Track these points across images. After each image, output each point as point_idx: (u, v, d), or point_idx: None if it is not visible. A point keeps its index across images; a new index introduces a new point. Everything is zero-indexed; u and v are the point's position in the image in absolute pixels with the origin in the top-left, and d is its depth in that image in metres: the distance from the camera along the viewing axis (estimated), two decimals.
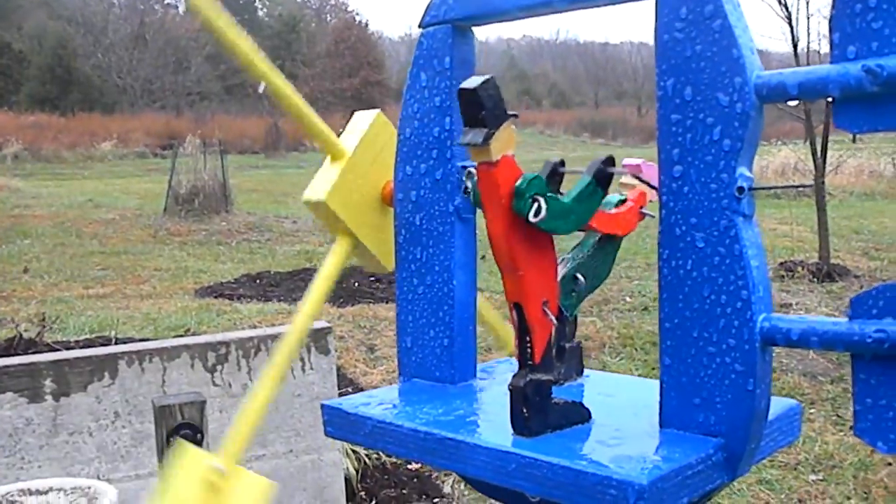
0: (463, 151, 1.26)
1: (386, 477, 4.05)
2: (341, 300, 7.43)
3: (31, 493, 1.97)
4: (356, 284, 7.98)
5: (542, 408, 1.04)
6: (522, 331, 1.04)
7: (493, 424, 1.09)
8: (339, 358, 5.44)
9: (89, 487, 1.98)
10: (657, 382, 1.08)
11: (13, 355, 3.48)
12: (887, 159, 18.66)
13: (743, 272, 0.97)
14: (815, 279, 7.89)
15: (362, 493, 3.89)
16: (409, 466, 4.18)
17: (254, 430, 1.57)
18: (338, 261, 1.66)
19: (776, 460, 4.32)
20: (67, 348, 4.31)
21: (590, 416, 1.09)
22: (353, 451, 3.96)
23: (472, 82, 0.97)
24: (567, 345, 1.18)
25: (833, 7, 0.92)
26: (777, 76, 0.95)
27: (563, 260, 1.21)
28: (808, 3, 13.22)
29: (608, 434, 1.05)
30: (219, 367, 3.02)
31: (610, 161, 1.04)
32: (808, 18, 17.10)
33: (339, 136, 1.70)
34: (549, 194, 0.99)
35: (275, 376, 1.59)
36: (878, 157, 18.92)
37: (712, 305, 0.99)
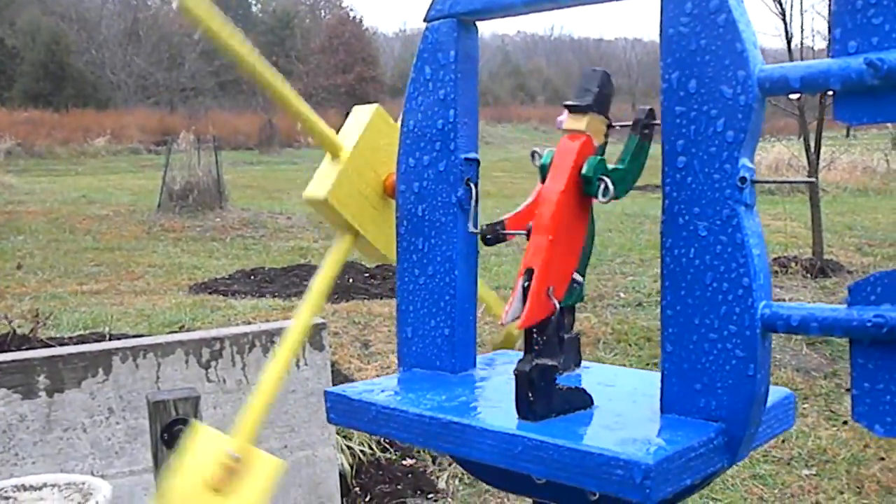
0: (466, 144, 1.27)
1: (381, 472, 4.05)
2: (336, 296, 7.43)
3: (24, 488, 1.97)
4: (350, 281, 7.98)
5: (547, 392, 1.06)
6: (525, 303, 1.06)
7: (498, 410, 1.10)
8: (334, 354, 5.44)
9: (83, 483, 1.98)
10: (654, 373, 1.10)
11: (7, 351, 3.47)
12: (880, 155, 18.71)
13: (744, 260, 0.99)
14: (809, 275, 7.91)
15: (357, 488, 3.90)
16: (404, 462, 4.19)
17: (264, 413, 1.58)
18: (340, 256, 1.67)
19: (770, 455, 4.34)
20: (61, 344, 4.30)
21: (592, 402, 1.11)
22: (348, 447, 3.96)
23: (600, 68, 1.10)
24: (566, 336, 1.19)
25: (834, 3, 0.94)
26: (780, 70, 0.97)
27: None
28: None
29: (611, 419, 1.07)
30: (213, 363, 3.02)
31: (651, 114, 1.10)
32: (802, 14, 17.16)
33: (337, 131, 1.70)
34: (609, 168, 1.07)
35: (282, 363, 1.60)
36: (871, 153, 18.96)
37: (714, 293, 1.01)
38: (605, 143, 1.12)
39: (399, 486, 3.94)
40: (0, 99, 35.60)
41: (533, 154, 1.19)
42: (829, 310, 0.96)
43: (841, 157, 16.88)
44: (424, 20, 1.29)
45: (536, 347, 1.06)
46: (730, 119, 1.00)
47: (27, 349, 3.84)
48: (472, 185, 1.27)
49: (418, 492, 3.95)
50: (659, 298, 1.09)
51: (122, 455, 2.87)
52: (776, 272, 8.05)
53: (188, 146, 14.95)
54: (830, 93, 0.96)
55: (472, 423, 1.05)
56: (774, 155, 17.53)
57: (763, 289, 1.00)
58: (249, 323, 6.26)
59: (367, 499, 3.86)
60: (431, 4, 1.29)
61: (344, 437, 3.98)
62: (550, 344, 1.07)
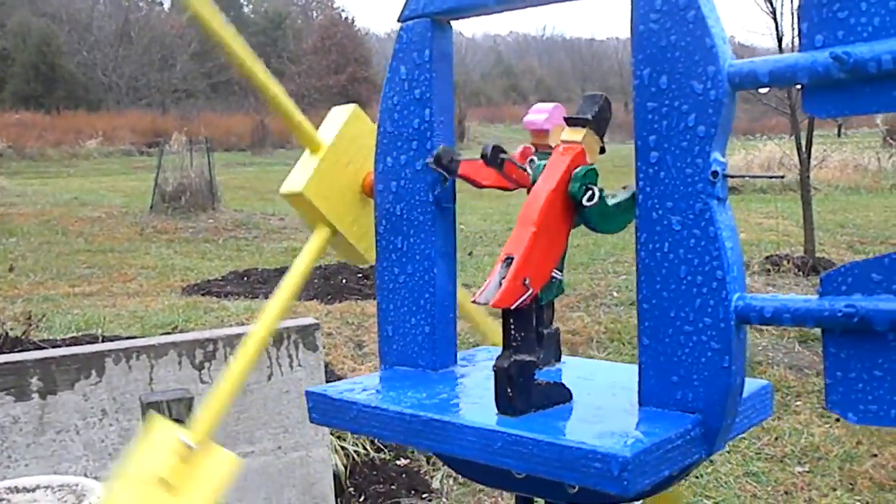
0: (442, 142, 1.28)
1: (374, 473, 4.05)
2: (329, 297, 7.43)
3: (17, 490, 1.96)
4: (344, 281, 7.98)
5: (526, 388, 1.06)
6: (505, 312, 1.07)
7: (477, 406, 1.11)
8: (327, 354, 5.44)
9: (77, 485, 1.98)
10: (632, 367, 1.12)
11: None
12: (871, 153, 18.77)
13: (718, 253, 1.00)
14: (801, 273, 7.93)
15: (351, 488, 3.90)
16: (398, 462, 4.19)
17: (225, 407, 1.54)
18: (314, 251, 1.67)
19: (763, 452, 4.35)
20: (54, 346, 4.29)
21: (571, 397, 1.13)
22: (342, 448, 3.96)
23: (600, 93, 1.14)
24: (545, 330, 1.20)
25: None
26: (748, 64, 0.99)
27: None
28: None
29: (589, 413, 1.08)
30: (206, 365, 3.02)
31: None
32: (793, 14, 17.19)
33: (316, 129, 1.70)
34: (601, 192, 1.09)
35: (247, 358, 1.58)
36: (862, 152, 19.03)
37: (689, 286, 1.03)
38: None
39: (393, 486, 3.94)
40: None
41: (530, 161, 1.21)
42: (801, 300, 0.98)
43: (832, 156, 16.92)
44: (399, 20, 1.30)
45: (515, 343, 1.07)
46: (701, 114, 1.01)
47: (20, 351, 3.83)
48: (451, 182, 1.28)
49: (412, 492, 3.95)
50: None
51: (115, 457, 2.87)
52: (768, 270, 8.08)
53: (180, 147, 14.94)
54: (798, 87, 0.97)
55: (453, 420, 1.06)
56: (766, 153, 17.59)
57: (736, 281, 1.01)
58: (243, 324, 6.26)
59: (361, 499, 3.86)
60: (406, 4, 1.29)
61: (338, 437, 3.98)
62: (529, 340, 1.08)
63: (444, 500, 3.90)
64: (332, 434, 3.75)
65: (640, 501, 1.12)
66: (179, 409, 2.01)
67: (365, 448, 4.11)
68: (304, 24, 53.61)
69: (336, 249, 1.74)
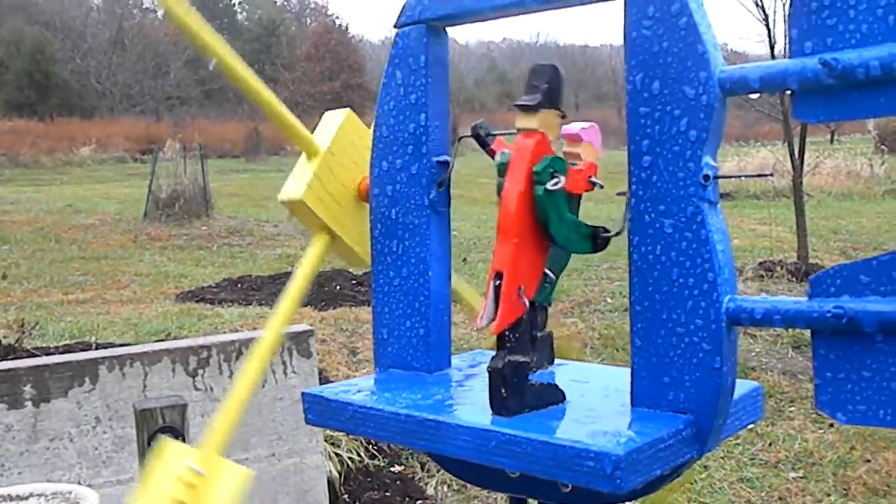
0: (438, 147, 1.30)
1: (369, 479, 4.05)
2: (323, 303, 7.42)
3: (11, 498, 1.96)
4: (338, 288, 7.97)
5: (520, 388, 1.08)
6: (497, 307, 1.08)
7: (472, 407, 1.12)
8: (321, 361, 5.43)
9: (70, 492, 1.97)
10: (625, 369, 1.12)
11: None
12: (864, 160, 18.83)
13: (709, 255, 1.02)
14: (794, 279, 7.95)
15: (345, 495, 3.89)
16: (392, 469, 4.18)
17: (234, 423, 1.57)
18: (316, 258, 1.68)
19: (757, 458, 4.36)
20: (47, 354, 4.28)
21: (564, 398, 1.14)
22: (336, 454, 3.96)
23: (548, 62, 1.10)
24: (539, 334, 1.21)
25: (791, 5, 0.97)
26: (739, 70, 1.00)
27: None
28: (784, 5, 13.34)
29: (582, 413, 1.09)
30: (200, 372, 3.02)
31: (605, 230, 1.12)
32: (785, 21, 17.26)
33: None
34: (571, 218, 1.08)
35: (254, 372, 1.59)
36: (855, 158, 19.09)
37: (680, 288, 1.04)
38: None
39: (387, 493, 3.94)
40: None
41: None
42: (791, 302, 0.99)
43: (825, 162, 16.99)
44: (395, 26, 1.31)
45: (509, 345, 1.09)
46: (692, 119, 1.02)
47: (13, 359, 3.82)
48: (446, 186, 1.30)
49: (407, 498, 3.95)
50: None
51: (109, 464, 2.86)
52: (762, 276, 8.09)
53: (174, 154, 14.91)
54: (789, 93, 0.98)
55: (448, 420, 1.07)
56: (760, 160, 17.65)
57: (728, 283, 1.02)
58: (236, 331, 6.25)
59: None
60: (402, 11, 1.31)
61: (332, 444, 3.98)
62: (523, 341, 1.09)
63: None
64: (326, 441, 3.74)
65: (634, 502, 1.12)
66: (173, 416, 2.00)
67: (359, 455, 4.11)
68: (297, 31, 53.66)
69: (336, 253, 1.75)
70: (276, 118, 1.65)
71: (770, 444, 4.52)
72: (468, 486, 4.03)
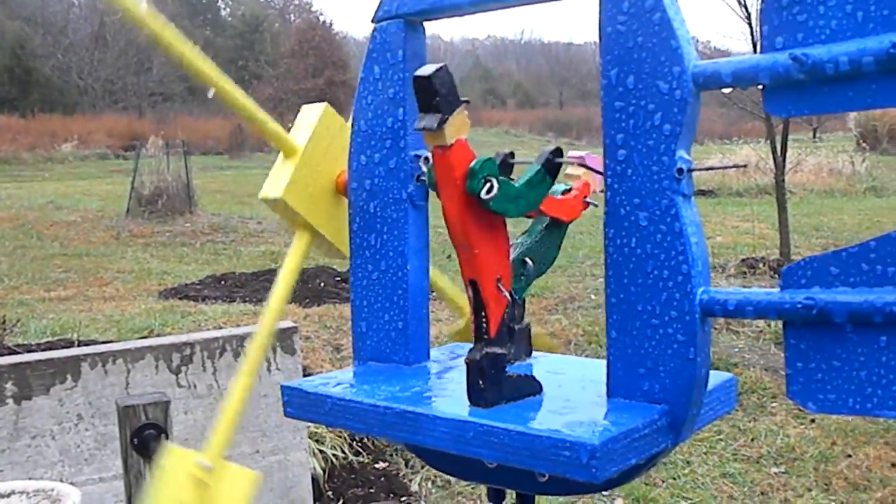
0: (416, 141, 1.31)
1: (353, 476, 4.05)
2: (307, 300, 7.41)
3: None
4: (322, 285, 7.96)
5: (497, 380, 1.09)
6: (478, 307, 1.10)
7: (450, 398, 1.14)
8: (306, 358, 5.42)
9: (52, 490, 1.96)
10: (601, 361, 1.15)
11: None
12: (846, 157, 18.96)
13: (683, 248, 1.03)
14: (777, 275, 7.97)
15: (329, 492, 3.89)
16: (377, 465, 4.18)
17: (234, 425, 1.60)
18: (299, 255, 1.70)
19: (739, 454, 4.38)
20: (28, 351, 4.25)
21: (541, 389, 1.15)
22: (320, 451, 3.95)
23: (426, 70, 1.02)
24: (516, 326, 1.22)
25: (762, 1, 0.99)
26: (712, 65, 1.02)
27: (512, 245, 1.28)
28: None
29: (559, 404, 1.11)
30: (183, 369, 3.01)
31: (558, 152, 1.12)
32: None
33: (288, 131, 1.72)
34: (501, 178, 1.06)
35: (249, 371, 1.62)
36: (837, 156, 19.22)
37: (655, 280, 1.06)
38: (510, 166, 1.10)
39: (372, 490, 3.94)
40: None
41: (425, 159, 1.23)
42: (763, 294, 1.01)
43: (807, 159, 17.10)
44: (373, 21, 1.33)
45: (486, 336, 1.10)
46: (666, 113, 1.04)
47: None
48: (424, 180, 1.30)
49: (391, 495, 3.95)
50: None
51: (91, 462, 2.85)
52: (744, 273, 8.14)
53: (157, 151, 14.84)
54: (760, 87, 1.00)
55: (426, 412, 1.08)
56: (742, 157, 17.71)
57: (701, 275, 1.04)
58: (220, 328, 6.23)
59: (339, 503, 3.85)
60: (379, 5, 1.32)
61: (316, 441, 3.97)
62: (500, 333, 1.10)
63: (422, 503, 3.90)
64: (310, 438, 3.74)
65: (609, 492, 1.14)
66: (156, 413, 2.00)
67: (343, 451, 4.11)
68: (281, 27, 53.46)
69: (318, 249, 1.76)
70: (249, 119, 1.66)
71: (752, 440, 4.55)
72: (452, 482, 4.03)
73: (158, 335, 5.98)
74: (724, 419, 4.81)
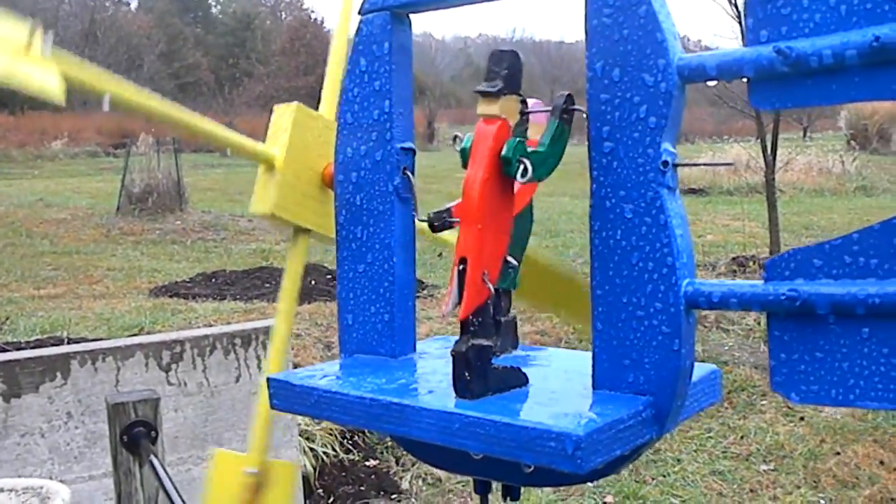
0: (402, 133, 1.31)
1: (344, 474, 4.05)
2: (298, 298, 7.39)
3: None
4: (313, 283, 7.95)
5: (483, 372, 1.09)
6: (461, 290, 1.10)
7: (436, 390, 1.14)
8: (296, 356, 5.42)
9: (41, 487, 1.96)
10: (587, 353, 1.15)
11: None
12: (835, 157, 19.03)
13: (668, 240, 1.04)
14: None
15: (320, 490, 3.89)
16: (367, 463, 4.18)
17: (270, 425, 1.76)
18: (300, 257, 1.74)
19: (729, 451, 4.40)
20: (18, 349, 4.24)
21: (527, 381, 1.15)
22: (311, 449, 3.95)
23: (504, 47, 1.10)
24: (502, 318, 1.23)
25: None
26: (697, 58, 1.03)
27: None
28: None
29: (545, 396, 1.11)
30: (173, 366, 3.00)
31: (570, 99, 1.12)
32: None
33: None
34: (528, 150, 1.08)
35: (276, 368, 1.69)
36: (827, 155, 19.30)
37: (640, 272, 1.06)
38: (526, 126, 1.14)
39: (362, 488, 3.94)
40: None
41: (455, 138, 1.22)
42: (747, 286, 1.01)
43: (797, 158, 17.15)
44: (359, 13, 1.33)
45: (472, 328, 1.10)
46: (652, 106, 1.04)
47: None
48: (409, 174, 1.31)
49: (381, 492, 3.95)
50: None
51: (81, 460, 2.84)
52: (734, 271, 8.16)
53: (147, 148, 14.80)
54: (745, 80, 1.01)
55: (412, 403, 1.08)
56: (733, 156, 17.76)
57: (686, 267, 1.05)
58: (210, 325, 6.22)
59: (330, 500, 3.85)
60: None
61: (307, 438, 3.97)
62: (486, 325, 1.11)
63: (413, 500, 3.90)
64: (301, 435, 3.74)
65: (600, 489, 1.15)
66: (146, 411, 1.99)
67: (334, 449, 4.11)
68: (272, 25, 53.35)
69: (258, 182, 1.79)
70: (224, 145, 1.69)
71: (742, 438, 4.57)
72: (443, 479, 4.04)
73: (148, 333, 5.97)
74: (713, 417, 4.83)
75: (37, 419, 2.78)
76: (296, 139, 1.70)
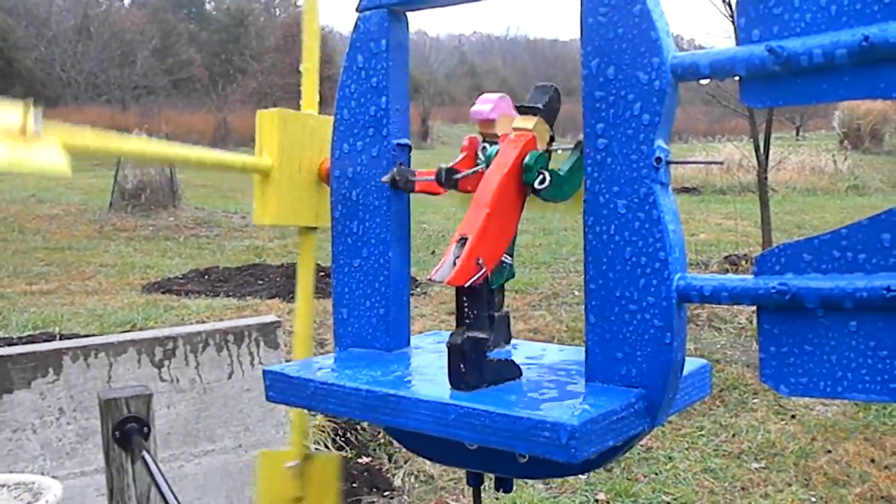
0: (398, 130, 1.33)
1: None
2: (291, 295, 7.37)
3: None
4: None
5: (478, 363, 1.11)
6: (459, 291, 1.12)
7: (431, 382, 1.16)
8: (289, 353, 5.41)
9: (33, 483, 1.96)
10: (580, 348, 1.17)
11: None
12: (828, 156, 19.08)
13: (661, 235, 1.05)
14: None
15: None
16: (360, 460, 4.19)
17: (306, 421, 1.87)
18: (309, 254, 1.81)
19: (720, 449, 4.41)
20: (10, 344, 4.23)
21: (521, 373, 1.17)
22: (304, 447, 3.95)
23: (551, 84, 1.20)
24: (496, 314, 1.24)
25: None
26: (690, 57, 1.04)
27: None
28: None
29: (538, 388, 1.13)
30: (166, 363, 3.00)
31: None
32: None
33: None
34: (550, 169, 1.14)
35: None
36: (819, 154, 19.34)
37: (633, 266, 1.08)
38: (549, 154, 1.19)
39: (355, 485, 3.94)
40: None
41: (483, 148, 1.25)
42: (738, 280, 1.03)
43: (790, 158, 17.19)
44: (356, 10, 1.35)
45: (468, 321, 1.12)
46: (646, 103, 1.06)
47: None
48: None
49: (374, 489, 3.95)
50: None
51: (73, 456, 2.84)
52: (727, 270, 8.19)
53: None
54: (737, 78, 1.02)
55: (408, 395, 1.10)
56: (726, 155, 17.79)
57: (678, 262, 1.06)
58: (203, 322, 6.21)
59: None
60: None
61: None
62: (481, 318, 1.13)
63: (405, 497, 3.91)
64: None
65: (591, 486, 1.17)
66: (138, 406, 1.99)
67: (327, 446, 4.11)
68: (266, 21, 53.23)
69: (256, 192, 1.83)
70: (216, 167, 1.72)
71: (734, 436, 4.58)
72: (435, 476, 4.04)
73: (141, 329, 5.96)
74: (705, 415, 4.84)
75: (29, 415, 2.77)
76: (285, 144, 1.71)
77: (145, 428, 1.99)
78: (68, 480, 2.78)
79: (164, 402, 2.96)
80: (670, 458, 4.29)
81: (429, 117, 35.17)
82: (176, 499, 1.73)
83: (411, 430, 1.10)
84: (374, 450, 4.29)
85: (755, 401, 5.08)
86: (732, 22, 8.81)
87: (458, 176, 1.21)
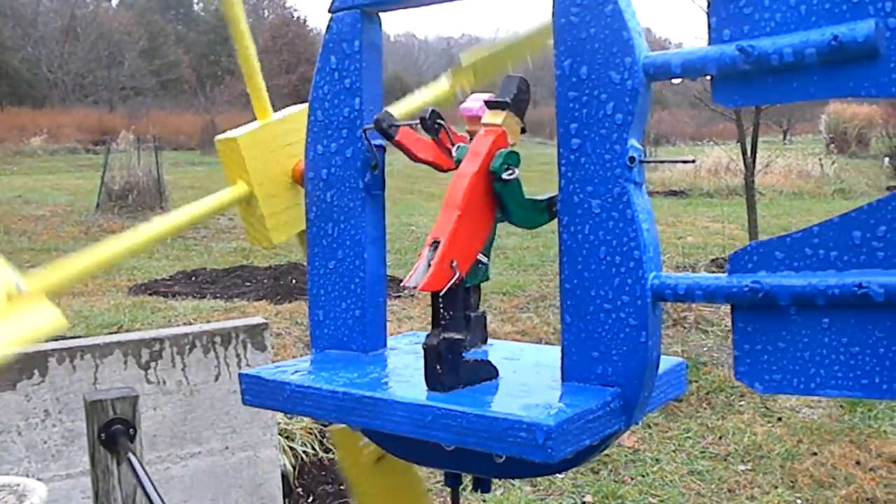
0: (372, 131, 1.31)
1: (323, 473, 4.04)
2: (279, 297, 7.38)
3: None
4: (293, 282, 7.93)
5: (454, 365, 1.11)
6: (434, 292, 1.12)
7: (408, 384, 1.16)
8: (276, 354, 5.40)
9: (18, 485, 1.95)
10: (556, 348, 1.17)
11: None
12: (815, 160, 19.19)
13: (635, 234, 1.06)
14: None
15: (299, 489, 3.88)
16: None
17: (86, 272, 1.63)
18: (225, 200, 1.74)
19: (707, 451, 4.43)
20: None
21: (497, 374, 1.17)
22: (290, 448, 3.94)
23: (518, 75, 1.20)
24: (472, 314, 1.24)
25: None
26: (662, 56, 1.05)
27: None
28: None
29: (515, 388, 1.13)
30: (152, 364, 2.99)
31: (554, 198, 1.18)
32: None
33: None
34: (520, 189, 1.15)
35: (124, 249, 1.65)
36: (806, 158, 19.45)
37: (608, 266, 1.08)
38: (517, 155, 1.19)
39: (342, 487, 3.94)
40: None
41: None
42: (712, 279, 1.04)
43: (777, 161, 17.28)
44: (329, 11, 1.34)
45: (443, 322, 1.12)
46: (618, 103, 1.06)
47: None
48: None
49: None
50: None
51: (58, 458, 2.82)
52: (714, 272, 8.21)
53: (128, 146, 14.72)
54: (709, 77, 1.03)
55: (384, 397, 1.10)
56: (713, 158, 17.88)
57: (652, 261, 1.07)
58: (190, 324, 6.18)
59: (309, 499, 3.85)
60: None
61: (286, 437, 3.96)
62: (457, 319, 1.13)
63: None
64: (280, 434, 3.73)
65: (564, 475, 1.18)
66: (124, 408, 1.98)
67: (314, 448, 4.10)
68: (255, 22, 53.10)
69: (245, 222, 1.79)
70: (203, 217, 1.71)
71: (720, 438, 4.60)
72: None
73: (128, 331, 5.94)
74: (692, 417, 4.86)
75: (14, 417, 2.76)
76: (292, 118, 1.72)
77: (131, 430, 1.98)
78: (53, 482, 2.77)
79: (150, 403, 2.95)
80: (657, 460, 4.30)
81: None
82: (162, 501, 1.73)
83: (388, 432, 1.10)
84: None
85: (742, 403, 5.10)
86: None
87: (442, 122, 1.21)
